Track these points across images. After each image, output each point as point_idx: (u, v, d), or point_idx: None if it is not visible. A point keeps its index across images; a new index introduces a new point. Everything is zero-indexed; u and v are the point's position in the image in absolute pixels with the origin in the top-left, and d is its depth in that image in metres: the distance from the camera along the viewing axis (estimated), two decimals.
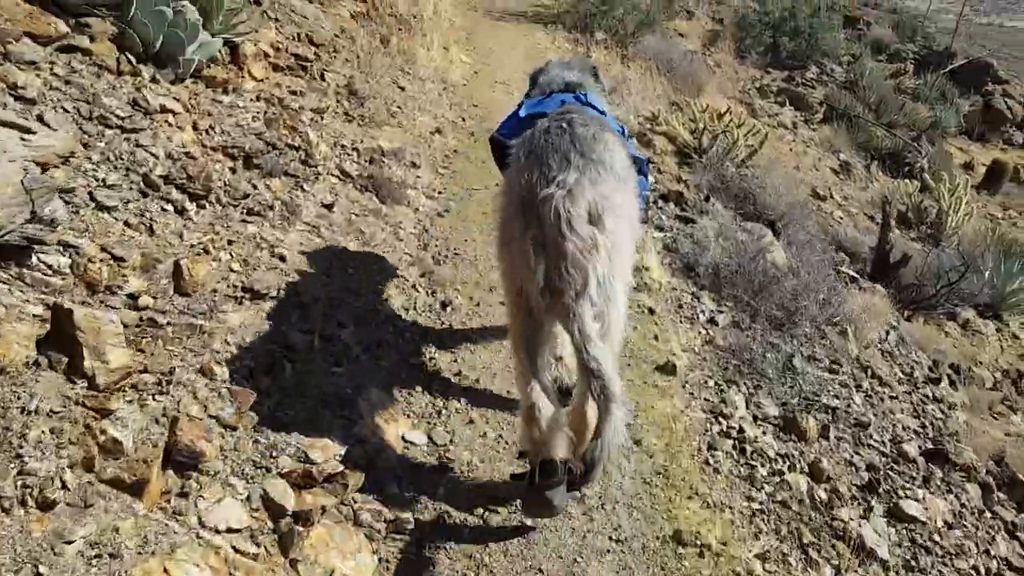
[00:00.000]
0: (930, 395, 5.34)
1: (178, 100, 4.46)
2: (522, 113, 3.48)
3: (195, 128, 4.35)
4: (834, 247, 8.53)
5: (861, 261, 8.44)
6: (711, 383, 3.91)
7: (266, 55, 6.36)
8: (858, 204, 11.92)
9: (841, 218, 10.74)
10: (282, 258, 3.90)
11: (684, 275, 5.17)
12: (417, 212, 5.60)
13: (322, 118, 6.15)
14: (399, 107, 7.43)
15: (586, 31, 12.50)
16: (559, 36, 12.18)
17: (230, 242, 3.78)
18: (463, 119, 7.87)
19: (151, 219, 3.46)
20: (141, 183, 3.64)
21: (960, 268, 8.00)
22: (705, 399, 3.76)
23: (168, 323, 3.00)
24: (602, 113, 3.41)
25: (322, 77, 6.92)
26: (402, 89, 7.93)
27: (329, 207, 4.70)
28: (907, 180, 13.08)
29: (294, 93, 6.19)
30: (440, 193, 6.06)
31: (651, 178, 7.22)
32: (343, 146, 5.83)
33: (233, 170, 4.35)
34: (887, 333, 5.75)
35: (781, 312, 4.78)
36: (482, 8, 12.82)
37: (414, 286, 4.39)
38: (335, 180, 5.20)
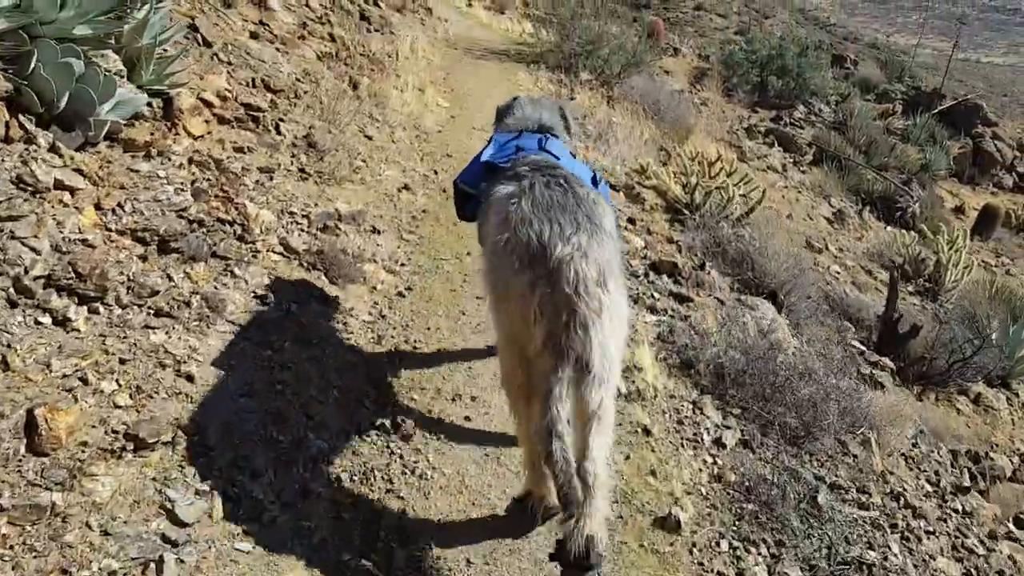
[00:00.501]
0: (960, 508, 4.64)
1: (82, 172, 3.70)
2: (484, 157, 3.36)
3: (98, 207, 3.58)
4: (837, 313, 7.83)
5: (866, 329, 7.75)
6: (724, 545, 3.14)
7: (210, 106, 5.60)
8: (854, 256, 11.28)
9: (838, 273, 10.08)
10: (190, 378, 3.12)
11: (683, 375, 4.43)
12: (374, 291, 4.84)
13: (271, 178, 5.39)
14: (364, 160, 6.69)
15: (570, 71, 11.87)
16: (542, 76, 11.52)
17: (122, 361, 3.00)
18: (435, 172, 7.14)
19: (9, 344, 2.68)
20: (10, 290, 2.87)
21: (974, 341, 7.32)
22: (719, 573, 2.99)
23: (6, 506, 2.21)
24: (558, 157, 3.29)
25: (277, 129, 6.17)
26: (369, 139, 7.20)
27: (263, 298, 3.92)
28: (903, 231, 12.49)
29: (240, 150, 5.43)
30: (403, 265, 5.31)
31: (640, 240, 6.51)
32: (292, 213, 5.07)
33: (143, 258, 3.58)
34: (913, 440, 5.05)
35: (797, 422, 4.06)
36: (462, 47, 12.15)
37: (360, 399, 3.62)
38: (276, 258, 4.43)
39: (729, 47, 19.68)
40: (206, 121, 5.43)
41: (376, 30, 10.70)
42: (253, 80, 6.50)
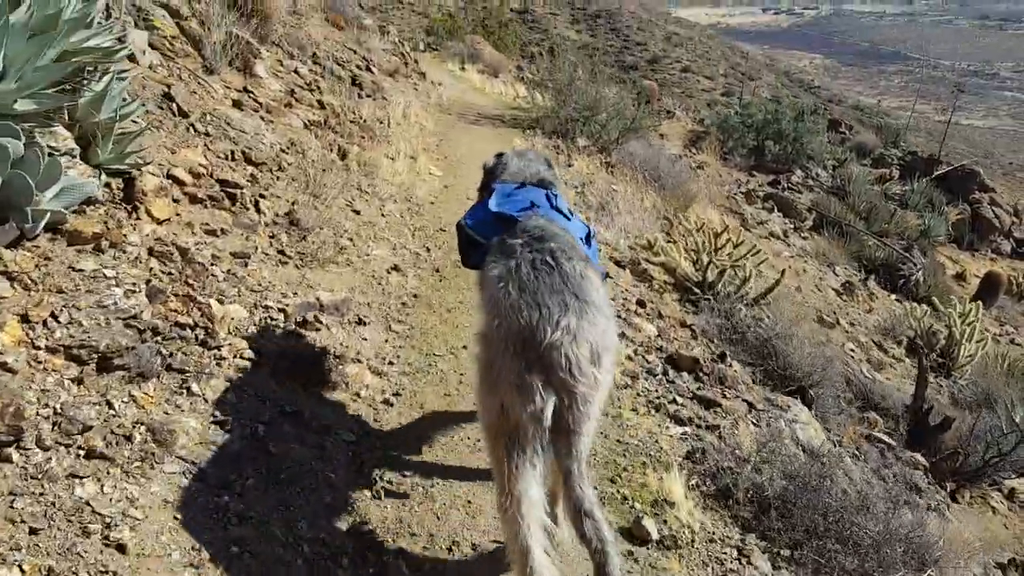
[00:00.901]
0: None
1: (10, 275, 3.09)
2: (493, 206, 3.37)
3: (25, 320, 2.96)
4: (860, 400, 7.23)
5: (892, 418, 7.13)
6: None
7: (181, 184, 5.04)
8: (865, 330, 10.73)
9: (853, 351, 9.51)
10: (121, 548, 2.46)
11: (720, 506, 3.79)
12: (358, 399, 4.21)
13: (246, 264, 4.80)
14: (351, 238, 6.12)
15: (567, 137, 11.44)
16: (538, 142, 11.07)
17: (33, 532, 2.35)
18: (427, 249, 6.56)
19: None
20: None
21: (1012, 434, 6.71)
22: None
23: None
24: (568, 215, 3.42)
25: (256, 206, 5.61)
26: (357, 213, 6.64)
27: (223, 423, 3.28)
28: (915, 304, 11.98)
29: (212, 233, 4.85)
30: (392, 363, 4.69)
31: (653, 328, 5.92)
32: (267, 306, 4.47)
33: (78, 381, 2.95)
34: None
35: (855, 564, 3.42)
36: (456, 111, 11.74)
37: (336, 557, 2.96)
38: (245, 365, 3.80)
39: (725, 111, 19.44)
40: (174, 201, 4.86)
41: (368, 95, 10.26)
42: (232, 153, 5.96)
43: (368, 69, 10.87)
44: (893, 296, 14.48)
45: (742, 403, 4.93)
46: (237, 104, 6.81)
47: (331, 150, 7.72)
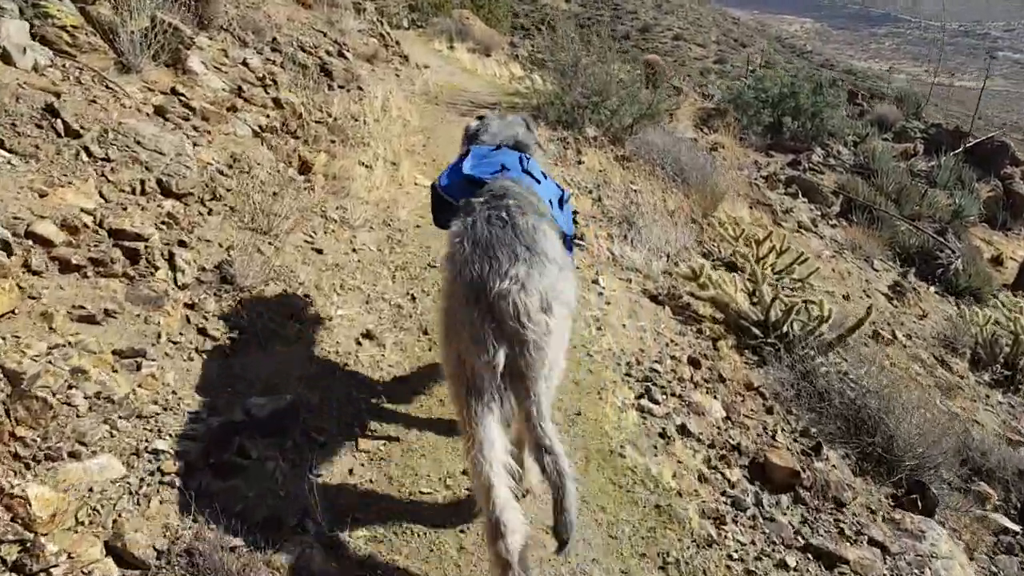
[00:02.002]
0: None
1: None
2: (466, 169, 3.40)
3: None
4: (963, 461, 5.67)
5: (1003, 484, 5.59)
6: None
7: (47, 246, 3.43)
8: (924, 343, 9.16)
9: (919, 374, 7.94)
10: None
11: None
12: None
13: (139, 367, 3.20)
14: (308, 293, 4.50)
15: (574, 127, 9.74)
16: (542, 134, 9.39)
17: None
18: (412, 298, 4.95)
19: None
20: None
21: None
22: None
23: None
24: (538, 178, 3.40)
25: (170, 262, 3.99)
26: (319, 253, 5.02)
27: None
28: (975, 309, 10.43)
29: (89, 320, 3.25)
30: (355, 524, 3.07)
31: (717, 403, 4.34)
32: (155, 452, 2.86)
33: None
34: None
35: None
36: (444, 100, 10.03)
37: None
38: None
39: (737, 85, 17.71)
40: (32, 273, 3.24)
41: (340, 87, 8.56)
42: (142, 184, 4.33)
43: (341, 55, 9.16)
44: (932, 289, 12.90)
45: (872, 550, 3.36)
46: (160, 112, 5.16)
47: (289, 163, 6.07)
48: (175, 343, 3.47)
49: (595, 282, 5.59)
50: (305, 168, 6.23)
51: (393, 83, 9.78)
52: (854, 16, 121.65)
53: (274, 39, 8.14)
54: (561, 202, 3.46)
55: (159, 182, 4.45)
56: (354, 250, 5.28)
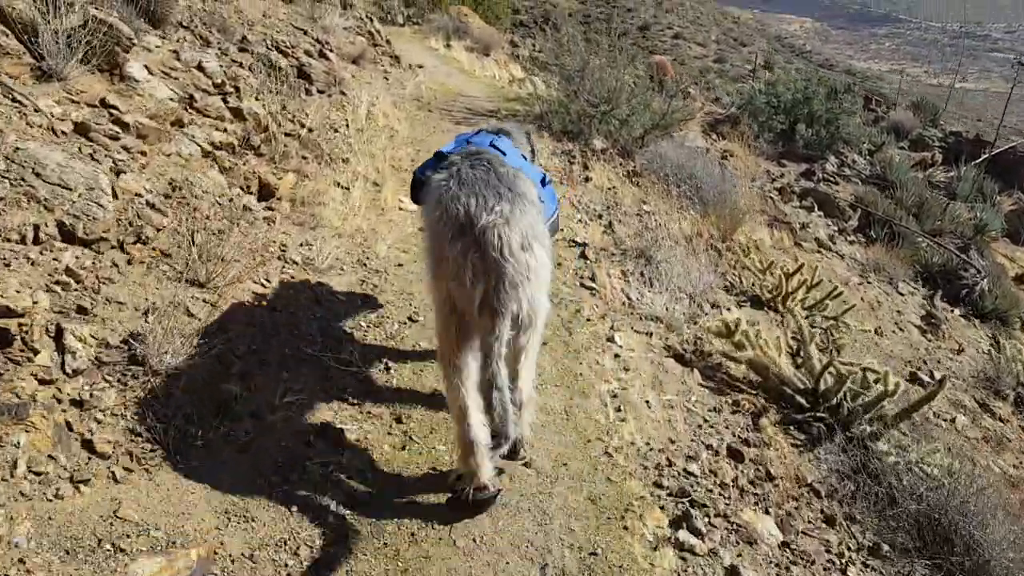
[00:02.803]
0: None
1: None
2: (445, 149, 3.45)
3: None
4: None
5: None
6: None
7: None
8: (963, 385, 8.17)
9: (966, 427, 6.97)
10: None
11: None
12: None
13: None
14: (248, 371, 3.49)
15: (579, 138, 8.72)
16: (545, 147, 8.37)
17: None
18: (387, 367, 3.92)
19: None
20: None
21: None
22: None
23: None
24: (503, 152, 3.33)
25: (57, 340, 2.98)
26: (272, 309, 3.99)
27: None
28: (1015, 344, 9.44)
29: None
30: None
31: (769, 519, 3.33)
32: None
33: None
34: None
35: None
36: (438, 105, 8.99)
37: None
38: None
39: (748, 90, 16.67)
40: None
41: (320, 91, 7.53)
42: (36, 230, 3.33)
43: (323, 55, 8.12)
44: (957, 312, 11.90)
45: None
46: (81, 130, 4.14)
47: (246, 188, 5.05)
48: (39, 475, 2.45)
49: (611, 340, 4.58)
50: (266, 193, 5.21)
51: (381, 87, 8.74)
52: (854, 17, 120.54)
53: (244, 38, 7.10)
54: (544, 183, 3.47)
55: (60, 226, 3.43)
56: (317, 302, 4.26)
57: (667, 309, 5.37)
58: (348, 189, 5.91)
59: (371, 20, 10.31)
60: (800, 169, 15.50)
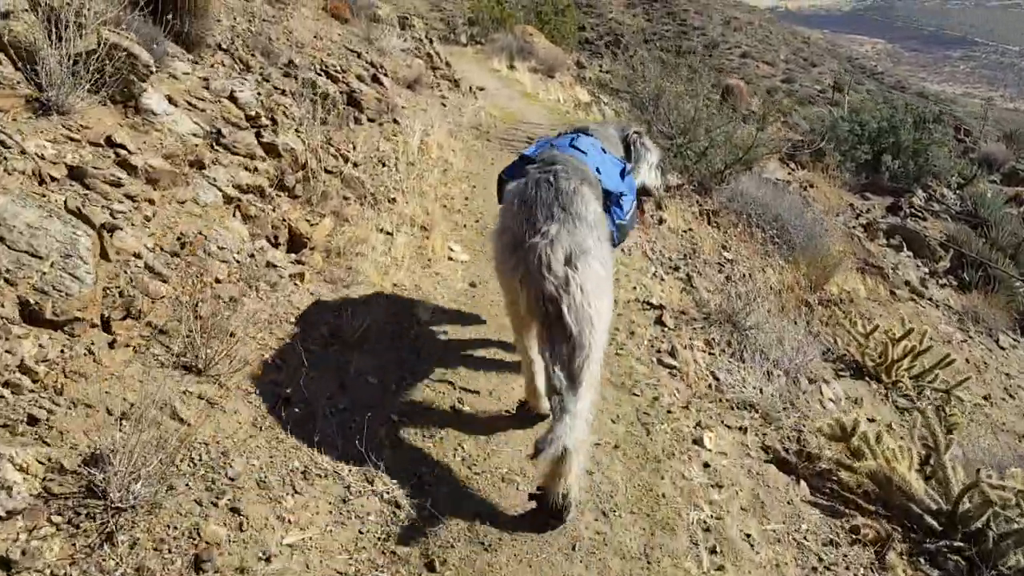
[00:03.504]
0: None
1: None
2: (528, 152, 3.65)
3: None
4: None
5: None
6: None
7: None
8: None
9: None
10: None
11: None
12: None
13: None
14: (237, 505, 2.72)
15: None
16: None
17: None
18: (431, 515, 3.12)
19: None
20: None
21: None
22: None
23: None
24: (584, 151, 3.54)
25: None
26: (286, 402, 3.23)
27: None
28: None
29: None
30: None
31: None
32: None
33: None
34: None
35: None
36: (498, 133, 8.22)
37: None
38: None
39: (829, 116, 15.52)
40: None
41: (371, 120, 6.84)
42: None
43: (376, 80, 7.43)
44: None
45: None
46: (76, 175, 3.47)
47: (274, 239, 4.34)
48: None
49: (698, 443, 3.69)
50: (297, 243, 4.49)
51: (437, 114, 8.01)
52: (928, 39, 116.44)
53: (290, 62, 6.44)
54: (623, 173, 3.66)
55: (23, 305, 2.73)
56: (342, 387, 3.49)
57: (761, 391, 4.45)
58: (391, 235, 5.16)
59: (430, 41, 9.62)
60: (885, 203, 14.30)
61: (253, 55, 6.12)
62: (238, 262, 3.85)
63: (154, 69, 4.36)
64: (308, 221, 4.70)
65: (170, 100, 4.49)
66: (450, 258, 5.20)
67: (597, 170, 3.46)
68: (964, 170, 15.49)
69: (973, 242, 12.98)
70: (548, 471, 2.84)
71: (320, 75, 6.72)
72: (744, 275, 6.53)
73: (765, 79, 59.82)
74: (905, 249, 12.46)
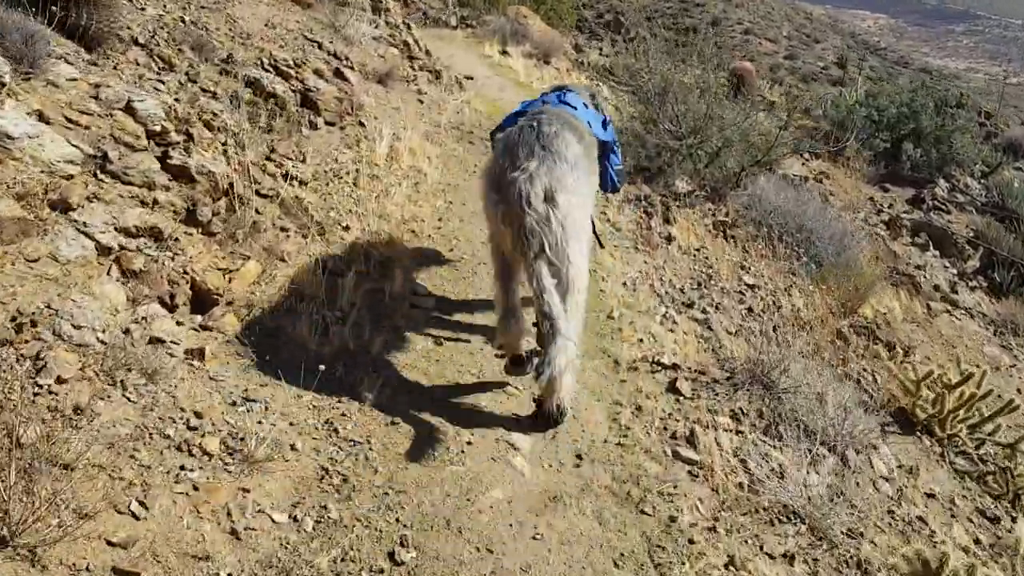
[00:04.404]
0: None
1: None
2: (520, 107, 4.02)
3: None
4: None
5: None
6: None
7: None
8: None
9: None
10: None
11: None
12: None
13: None
14: None
15: (657, 179, 6.74)
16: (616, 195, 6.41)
17: None
18: None
19: None
20: None
21: None
22: None
23: None
24: (574, 107, 3.85)
25: None
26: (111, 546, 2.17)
27: None
28: None
29: None
30: None
31: None
32: None
33: None
34: None
35: None
36: (482, 135, 7.07)
37: None
38: None
39: (843, 101, 14.33)
40: None
41: (329, 123, 5.75)
42: None
43: (339, 74, 6.31)
44: None
45: None
46: None
47: (168, 301, 3.26)
48: None
49: None
50: (204, 301, 3.42)
51: (412, 112, 6.90)
52: (930, 13, 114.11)
53: (228, 57, 5.33)
54: (604, 124, 4.05)
55: None
56: (233, 534, 2.43)
57: (804, 485, 3.39)
58: (340, 276, 4.09)
59: (408, 27, 8.45)
60: (906, 194, 13.14)
61: (180, 50, 5.01)
62: (103, 344, 2.78)
63: (7, 80, 3.27)
64: (224, 269, 3.63)
65: (40, 116, 3.41)
66: (413, 305, 4.13)
67: (588, 124, 3.80)
68: (988, 158, 14.31)
69: (1003, 238, 11.85)
70: (545, 388, 3.17)
71: (268, 71, 5.61)
72: (769, 304, 5.45)
73: (767, 56, 58.20)
74: (931, 248, 11.35)
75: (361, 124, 6.07)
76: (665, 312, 4.58)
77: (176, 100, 4.39)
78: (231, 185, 3.98)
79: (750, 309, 5.29)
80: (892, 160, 13.28)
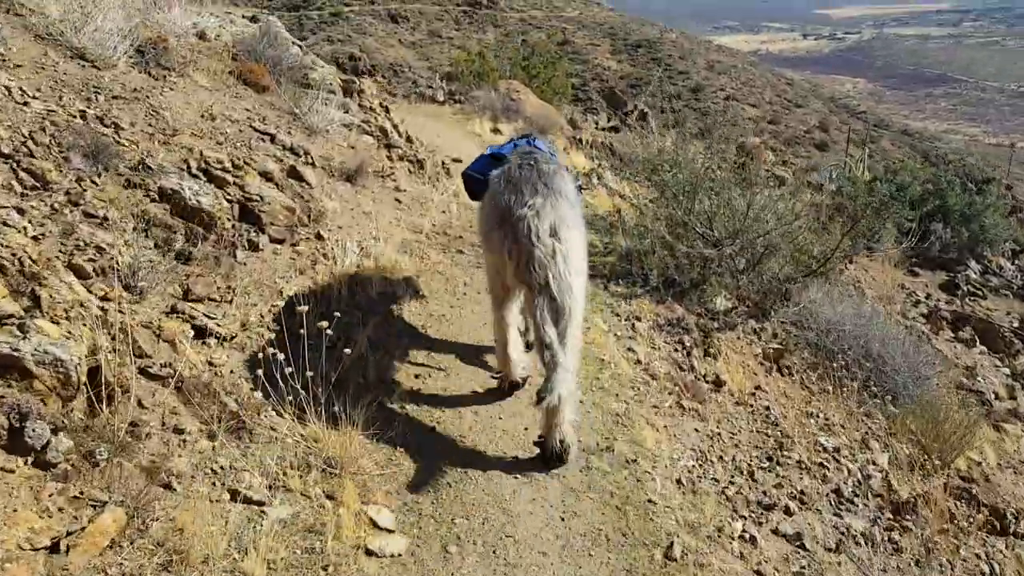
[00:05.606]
0: None
1: None
2: (488, 151, 4.08)
3: None
4: None
5: None
6: None
7: None
8: None
9: None
10: None
11: None
12: None
13: None
14: None
15: (690, 294, 5.38)
16: (643, 322, 5.01)
17: None
18: None
19: None
20: None
21: None
22: None
23: None
24: (544, 151, 3.90)
25: None
26: None
27: None
28: None
29: None
30: None
31: None
32: None
33: None
34: None
35: None
36: (473, 239, 5.69)
37: None
38: None
39: (857, 176, 13.17)
40: None
41: (276, 240, 4.39)
42: None
43: (294, 174, 4.97)
44: None
45: None
46: None
47: None
48: None
49: None
50: None
51: (388, 216, 5.54)
52: (908, 77, 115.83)
53: (140, 162, 3.97)
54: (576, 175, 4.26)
55: None
56: None
57: None
58: (263, 510, 2.62)
59: (385, 111, 7.14)
60: (936, 279, 11.87)
61: (66, 159, 3.64)
62: None
63: None
64: (56, 534, 2.17)
65: None
66: (368, 551, 2.65)
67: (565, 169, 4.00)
68: (1020, 235, 13.11)
69: None
70: (545, 420, 3.20)
71: (195, 177, 4.24)
72: (859, 479, 4.01)
73: (750, 121, 58.01)
74: (978, 344, 9.98)
75: (319, 237, 4.71)
76: (743, 529, 3.12)
77: (35, 238, 3.00)
78: (80, 381, 2.55)
79: (838, 492, 3.85)
80: (920, 241, 12.04)
